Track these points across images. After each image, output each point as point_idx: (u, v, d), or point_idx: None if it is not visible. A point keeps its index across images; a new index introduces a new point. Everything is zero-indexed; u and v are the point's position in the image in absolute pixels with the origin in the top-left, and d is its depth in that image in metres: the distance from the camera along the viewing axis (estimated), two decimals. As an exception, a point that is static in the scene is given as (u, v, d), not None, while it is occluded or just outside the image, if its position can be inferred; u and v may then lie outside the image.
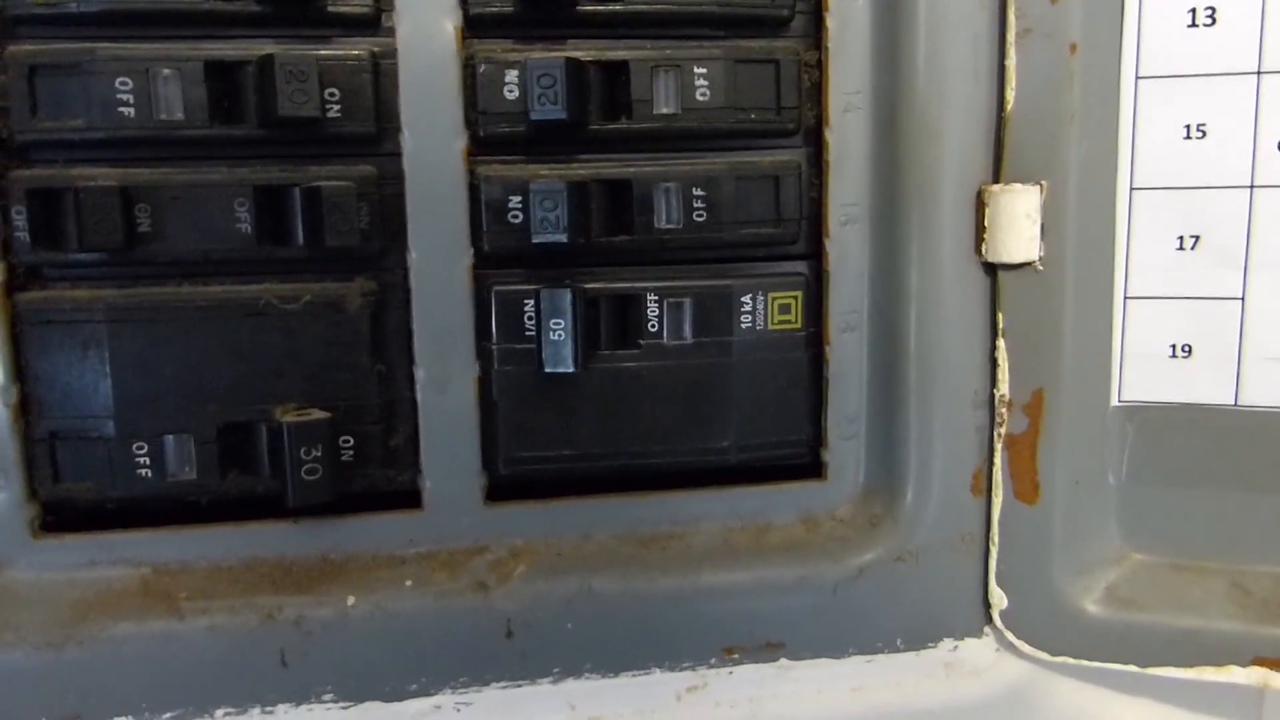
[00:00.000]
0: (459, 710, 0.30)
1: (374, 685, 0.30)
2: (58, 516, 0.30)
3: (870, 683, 0.32)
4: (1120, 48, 0.29)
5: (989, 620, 0.32)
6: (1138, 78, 0.29)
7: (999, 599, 0.31)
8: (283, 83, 0.27)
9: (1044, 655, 0.31)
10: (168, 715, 0.28)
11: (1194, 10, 0.28)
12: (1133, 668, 0.30)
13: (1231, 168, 0.28)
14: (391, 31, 0.28)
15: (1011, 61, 0.28)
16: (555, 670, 0.30)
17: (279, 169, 0.29)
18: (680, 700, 0.31)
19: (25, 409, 0.28)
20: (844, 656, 0.32)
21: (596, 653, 0.31)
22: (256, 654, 0.29)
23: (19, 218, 0.27)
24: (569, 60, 0.27)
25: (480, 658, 0.30)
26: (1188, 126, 0.28)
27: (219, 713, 0.29)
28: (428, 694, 0.30)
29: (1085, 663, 0.31)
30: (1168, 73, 0.28)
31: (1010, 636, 0.31)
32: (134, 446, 0.29)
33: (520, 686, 0.31)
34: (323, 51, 0.28)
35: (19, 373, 0.28)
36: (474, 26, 0.29)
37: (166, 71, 0.27)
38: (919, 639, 0.32)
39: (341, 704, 0.29)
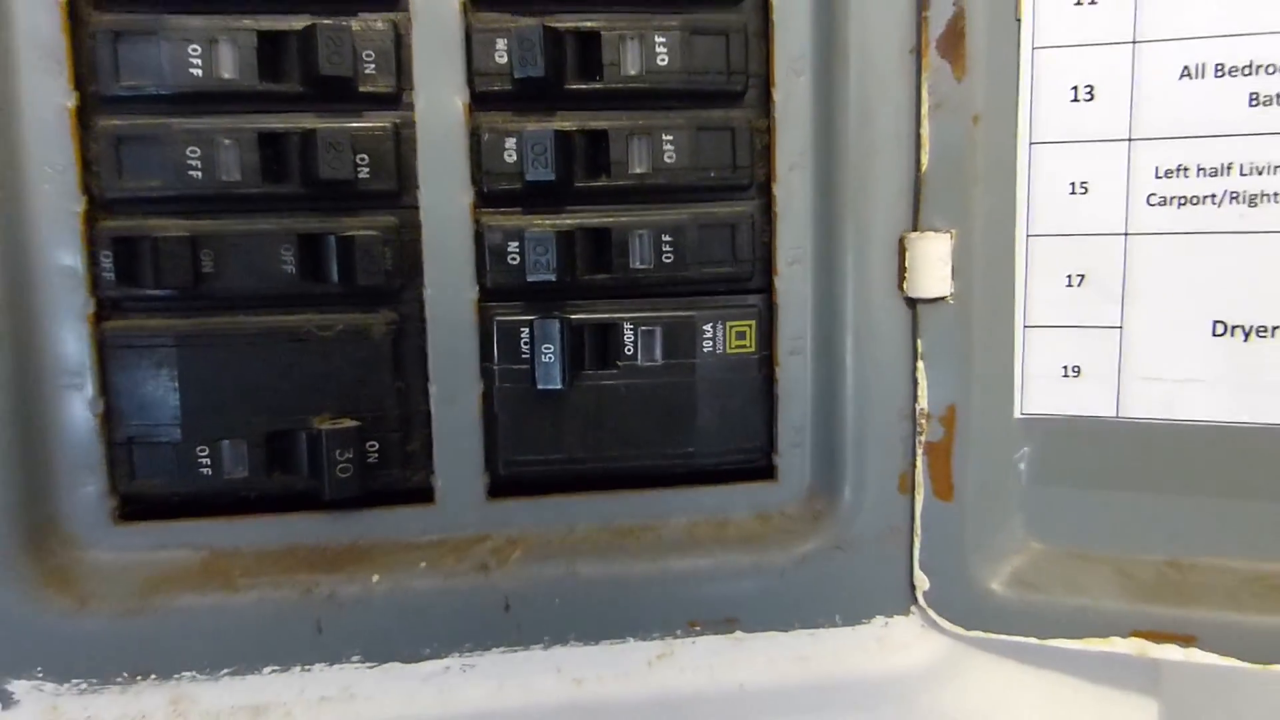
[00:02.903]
0: (464, 671, 0.34)
1: (394, 649, 0.33)
2: (134, 507, 0.33)
3: (813, 653, 0.35)
4: (1016, 118, 0.33)
5: (914, 600, 0.35)
6: (1031, 143, 0.33)
7: (922, 582, 0.35)
8: (322, 150, 0.31)
9: (961, 630, 0.35)
10: (224, 671, 0.32)
11: (1076, 88, 0.32)
12: (1033, 640, 0.34)
13: (1109, 219, 0.33)
14: (411, 107, 0.32)
15: (925, 130, 0.32)
16: (545, 638, 0.34)
17: (318, 220, 0.32)
18: (651, 666, 0.35)
19: (108, 418, 0.32)
20: (790, 630, 0.35)
21: (580, 624, 0.34)
22: (297, 622, 0.33)
23: (106, 260, 0.31)
24: (557, 132, 0.32)
25: (482, 627, 0.34)
26: (1073, 184, 0.33)
27: (266, 670, 0.32)
28: (439, 657, 0.34)
29: (995, 636, 0.34)
30: (1056, 139, 0.33)
31: (932, 614, 0.35)
32: (197, 449, 0.33)
33: (516, 652, 0.34)
34: (355, 124, 0.32)
35: (104, 388, 0.32)
36: (479, 102, 0.33)
37: (227, 141, 0.31)
38: (855, 616, 0.35)
39: (367, 664, 0.33)
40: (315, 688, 0.33)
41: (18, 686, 0.32)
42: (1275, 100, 0.31)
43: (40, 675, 0.32)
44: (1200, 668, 0.34)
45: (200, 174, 0.32)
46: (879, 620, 0.36)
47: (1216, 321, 0.32)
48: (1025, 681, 0.36)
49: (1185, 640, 0.33)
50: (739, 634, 0.35)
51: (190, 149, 0.31)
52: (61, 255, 0.31)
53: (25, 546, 0.31)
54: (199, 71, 0.31)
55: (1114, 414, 0.34)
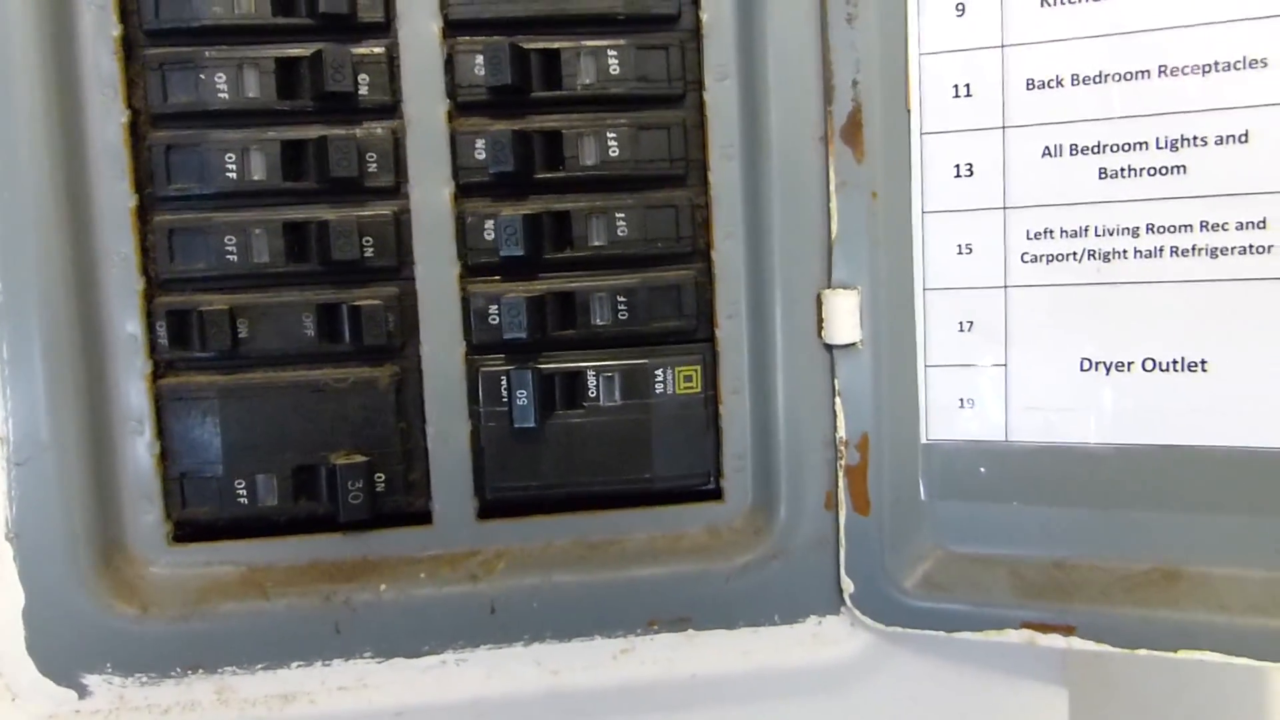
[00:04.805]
0: (458, 664, 0.39)
1: (399, 646, 0.38)
2: (185, 531, 0.38)
3: (755, 648, 0.40)
4: (909, 193, 0.38)
5: (843, 602, 0.39)
6: (924, 213, 0.38)
7: (848, 585, 0.39)
8: (335, 236, 0.37)
9: (881, 627, 0.39)
10: (259, 666, 0.37)
11: (958, 166, 0.38)
12: (941, 633, 0.38)
13: (991, 274, 0.38)
14: (407, 197, 0.38)
15: (834, 204, 0.38)
16: (526, 636, 0.39)
17: (333, 292, 0.38)
18: (615, 659, 0.39)
19: (164, 457, 0.38)
20: (736, 628, 0.39)
21: (555, 624, 0.39)
22: (318, 624, 0.37)
23: (161, 329, 0.37)
24: (526, 215, 0.38)
25: (473, 628, 0.38)
26: (959, 245, 0.38)
27: (293, 664, 0.38)
28: (436, 653, 0.38)
29: (911, 631, 0.39)
30: (943, 209, 0.38)
31: (858, 614, 0.39)
32: (236, 482, 0.38)
33: (501, 648, 0.39)
34: (361, 213, 0.37)
35: (160, 433, 0.37)
36: (463, 192, 0.38)
37: (258, 230, 0.37)
38: (792, 616, 0.40)
39: (377, 659, 0.38)
40: (334, 678, 0.38)
41: (91, 680, 0.37)
42: (1120, 174, 0.37)
43: (109, 670, 0.37)
44: (1104, 659, 0.39)
45: (236, 257, 0.37)
46: (812, 619, 0.40)
47: (1083, 358, 0.38)
48: (943, 672, 0.41)
49: (1066, 630, 0.37)
50: (691, 631, 0.40)
51: (228, 237, 0.37)
52: (126, 325, 0.37)
53: (98, 563, 0.37)
54: (234, 175, 0.37)
55: (1004, 438, 0.39)
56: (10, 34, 0.35)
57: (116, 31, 0.37)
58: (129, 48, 0.37)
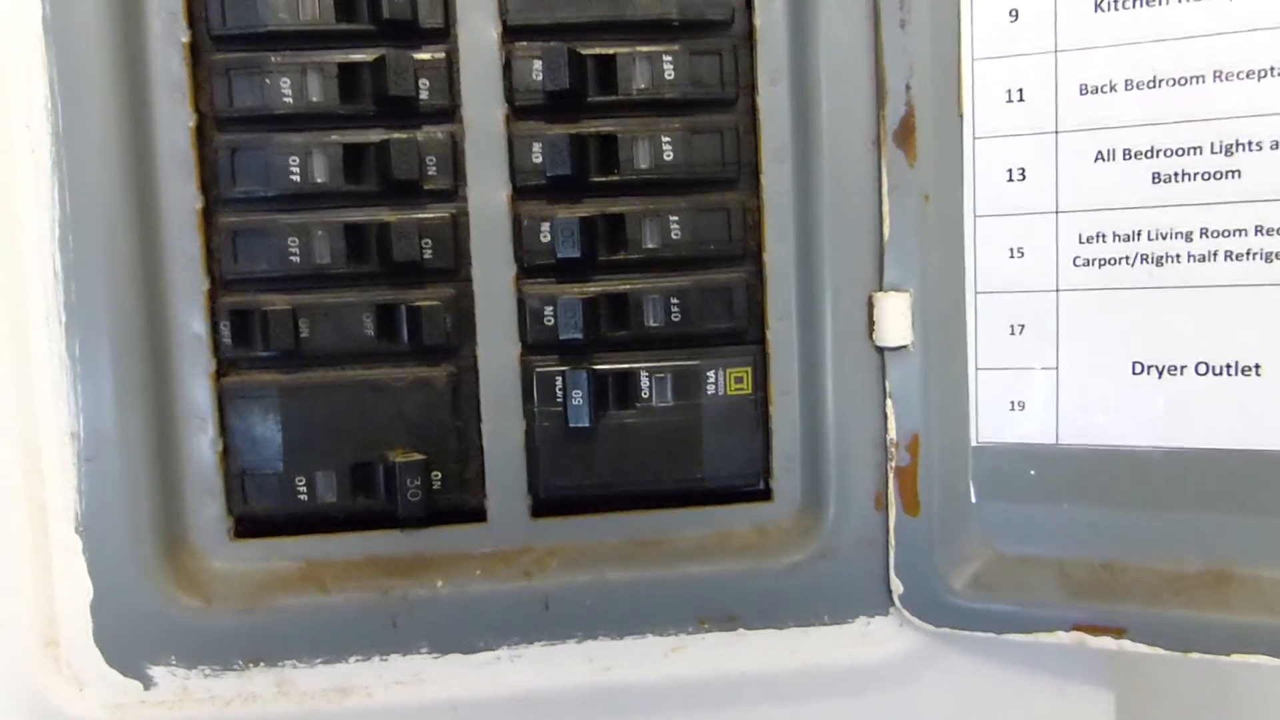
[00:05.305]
0: (512, 660, 0.39)
1: (455, 641, 0.39)
2: (246, 526, 0.39)
3: (804, 648, 0.40)
4: (961, 196, 0.39)
5: (892, 602, 0.40)
6: (975, 216, 0.39)
7: (898, 586, 0.39)
8: (395, 237, 0.38)
9: (931, 628, 0.39)
10: (318, 659, 0.38)
11: (1010, 170, 0.38)
12: (990, 634, 0.39)
13: (1042, 278, 0.38)
14: (465, 200, 0.38)
15: (885, 207, 0.38)
16: (579, 633, 0.39)
17: (392, 293, 0.38)
18: (667, 657, 0.40)
19: (226, 454, 0.38)
20: (785, 628, 0.40)
21: (608, 622, 0.39)
22: (376, 619, 0.38)
23: (225, 328, 0.38)
24: (582, 217, 0.38)
25: (527, 624, 0.39)
26: (1011, 249, 0.38)
27: (351, 659, 0.38)
28: (491, 649, 0.39)
29: (960, 632, 0.39)
30: (994, 213, 0.38)
31: (907, 614, 0.39)
32: (296, 479, 0.38)
33: (555, 645, 0.39)
34: (420, 215, 0.38)
35: (223, 430, 0.38)
36: (520, 195, 0.39)
37: (319, 232, 0.38)
38: (841, 616, 0.40)
39: (433, 654, 0.39)
40: (391, 673, 0.39)
41: (156, 671, 0.38)
42: (1173, 178, 0.37)
43: (174, 662, 0.38)
44: (1150, 664, 0.39)
45: (298, 258, 0.38)
46: (861, 619, 0.40)
47: (1135, 362, 0.38)
48: (990, 675, 0.41)
49: (1117, 632, 0.38)
50: (741, 630, 0.40)
51: (290, 238, 0.38)
52: (191, 324, 0.38)
53: (162, 558, 0.38)
54: (297, 177, 0.38)
55: (1054, 441, 0.39)
56: (83, 39, 0.36)
57: (185, 37, 0.37)
58: (196, 53, 0.38)
